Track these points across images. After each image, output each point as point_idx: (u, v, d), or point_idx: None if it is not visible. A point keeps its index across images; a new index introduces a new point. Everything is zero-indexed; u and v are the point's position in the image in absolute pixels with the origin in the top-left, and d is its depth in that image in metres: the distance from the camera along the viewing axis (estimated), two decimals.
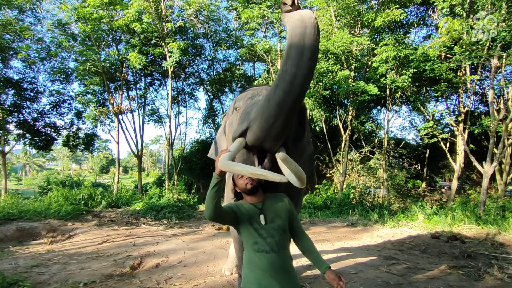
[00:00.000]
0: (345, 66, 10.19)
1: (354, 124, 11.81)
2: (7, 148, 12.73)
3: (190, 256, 4.41)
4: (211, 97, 16.33)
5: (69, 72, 13.08)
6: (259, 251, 1.65)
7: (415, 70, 8.75)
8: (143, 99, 14.92)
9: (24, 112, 12.77)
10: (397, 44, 9.01)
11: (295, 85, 1.60)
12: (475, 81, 9.89)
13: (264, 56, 12.77)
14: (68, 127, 14.10)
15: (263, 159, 1.96)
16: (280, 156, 1.59)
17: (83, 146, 14.91)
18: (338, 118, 11.63)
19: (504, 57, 7.41)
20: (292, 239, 1.84)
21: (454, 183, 10.45)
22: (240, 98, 2.54)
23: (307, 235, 1.83)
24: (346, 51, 9.74)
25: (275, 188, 1.93)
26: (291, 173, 1.74)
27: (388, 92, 10.55)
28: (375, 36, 10.47)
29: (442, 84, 8.94)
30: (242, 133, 1.93)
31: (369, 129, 14.20)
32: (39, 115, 13.20)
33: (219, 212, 1.61)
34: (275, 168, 1.84)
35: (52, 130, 13.71)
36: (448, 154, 10.45)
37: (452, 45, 7.87)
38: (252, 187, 1.71)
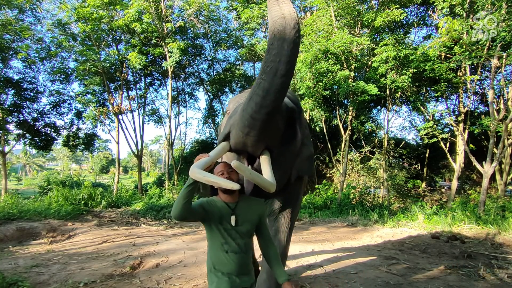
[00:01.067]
0: (345, 66, 10.18)
1: (354, 124, 11.80)
2: (7, 148, 12.73)
3: (190, 256, 4.41)
4: (211, 97, 16.32)
5: (69, 72, 13.08)
6: (228, 251, 1.66)
7: (415, 70, 8.74)
8: (143, 99, 14.94)
9: (24, 112, 12.77)
10: (397, 44, 9.00)
11: (267, 100, 1.60)
12: (475, 81, 9.89)
13: None
14: (68, 127, 14.10)
15: (254, 161, 1.96)
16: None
17: (83, 146, 14.91)
18: (338, 118, 11.62)
19: (504, 57, 7.41)
20: (258, 244, 1.84)
21: (454, 183, 10.44)
22: (232, 100, 2.55)
23: (273, 243, 1.84)
24: (346, 51, 9.74)
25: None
26: (266, 177, 1.72)
27: (388, 92, 10.54)
28: (375, 36, 10.46)
29: (442, 84, 8.93)
30: (226, 137, 1.95)
31: (369, 129, 14.18)
32: (39, 115, 13.19)
33: (187, 212, 1.59)
34: None
35: (52, 130, 13.70)
36: (448, 154, 10.44)
37: (452, 45, 7.87)
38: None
